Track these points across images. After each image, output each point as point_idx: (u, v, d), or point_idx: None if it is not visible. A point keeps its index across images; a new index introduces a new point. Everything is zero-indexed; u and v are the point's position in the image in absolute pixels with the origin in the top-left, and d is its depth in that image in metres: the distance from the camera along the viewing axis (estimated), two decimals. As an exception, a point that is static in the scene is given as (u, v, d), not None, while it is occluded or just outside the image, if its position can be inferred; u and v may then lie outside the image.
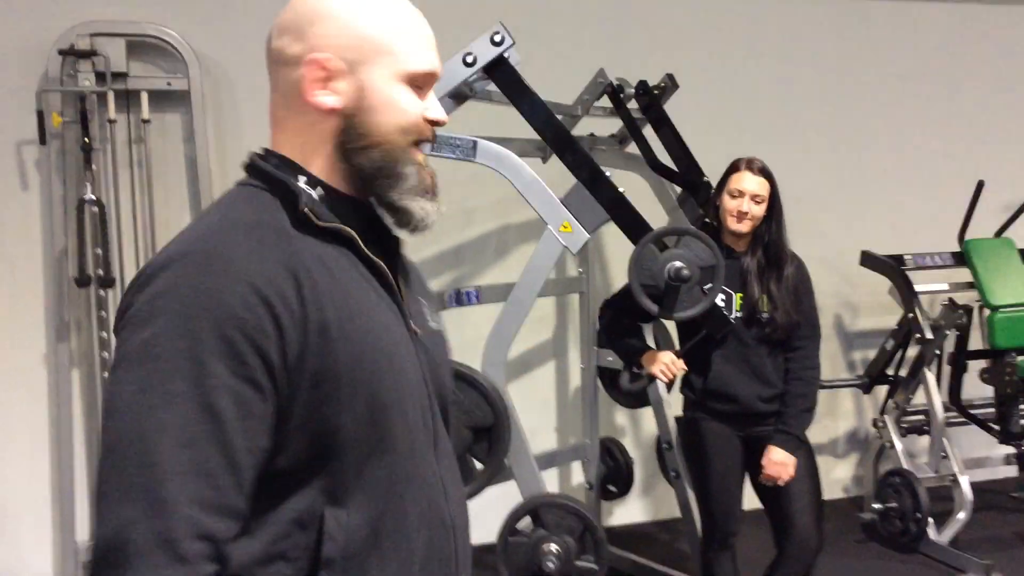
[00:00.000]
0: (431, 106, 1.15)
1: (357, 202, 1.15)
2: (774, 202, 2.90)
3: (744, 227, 2.87)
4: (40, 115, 3.63)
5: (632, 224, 2.84)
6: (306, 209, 1.07)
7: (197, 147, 3.84)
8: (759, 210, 2.87)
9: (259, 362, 0.98)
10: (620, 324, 3.05)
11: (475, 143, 2.87)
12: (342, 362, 1.03)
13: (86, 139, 3.64)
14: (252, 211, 1.08)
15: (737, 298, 2.89)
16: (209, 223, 1.07)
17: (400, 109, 1.12)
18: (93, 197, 3.66)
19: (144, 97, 3.74)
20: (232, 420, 0.96)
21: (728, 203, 2.89)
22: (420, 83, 1.14)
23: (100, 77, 3.67)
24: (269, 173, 1.12)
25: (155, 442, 0.93)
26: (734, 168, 2.92)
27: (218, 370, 0.96)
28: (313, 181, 1.12)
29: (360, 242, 1.12)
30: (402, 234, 1.23)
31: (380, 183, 1.14)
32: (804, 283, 2.94)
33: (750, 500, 3.04)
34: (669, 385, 3.21)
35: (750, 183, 2.86)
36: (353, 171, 1.13)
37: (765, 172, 2.89)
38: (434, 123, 1.15)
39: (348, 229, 1.11)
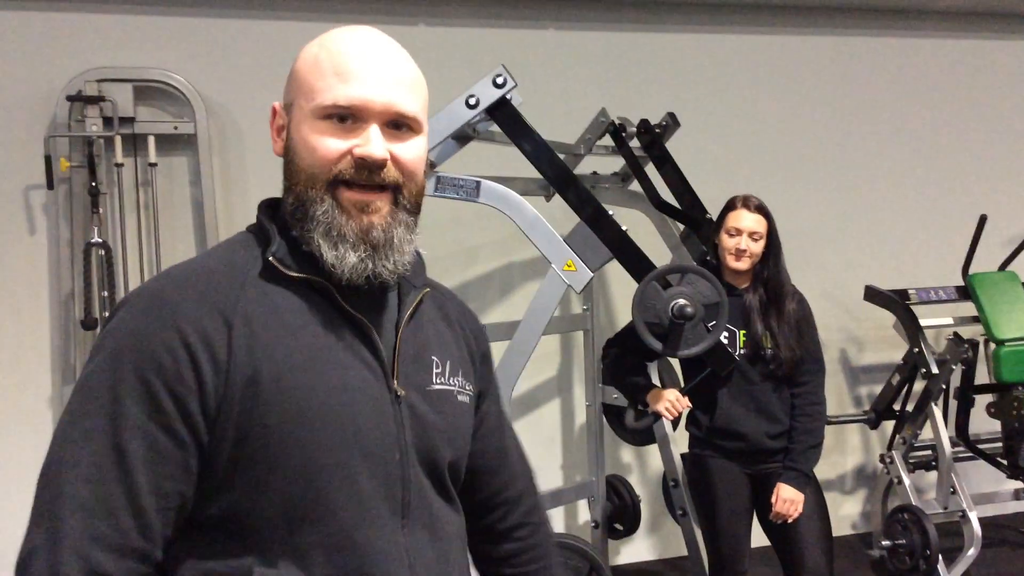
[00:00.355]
0: (364, 142, 1.06)
1: None
2: (772, 239, 2.92)
3: (743, 265, 2.88)
4: (48, 160, 3.66)
5: (635, 262, 2.86)
6: (271, 258, 1.06)
7: (203, 190, 3.88)
8: (757, 247, 2.89)
9: (175, 410, 0.97)
10: (624, 362, 3.05)
11: (478, 183, 2.89)
12: (273, 418, 0.99)
13: (93, 183, 3.68)
14: (227, 256, 1.08)
15: (740, 335, 2.89)
16: (181, 265, 1.08)
17: (310, 147, 1.06)
18: (100, 240, 3.69)
19: (151, 141, 3.78)
20: (140, 462, 0.96)
21: (726, 241, 2.91)
22: (351, 117, 1.06)
23: (108, 122, 3.72)
24: (259, 219, 1.13)
25: (66, 474, 0.95)
26: (731, 206, 2.94)
27: (133, 411, 0.96)
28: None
29: (335, 293, 1.07)
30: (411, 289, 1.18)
31: (296, 227, 1.08)
32: (806, 318, 2.95)
33: (759, 537, 3.03)
34: (675, 423, 3.21)
35: (747, 221, 2.88)
36: None
37: (762, 209, 2.91)
38: (363, 159, 1.05)
39: (320, 280, 1.07)
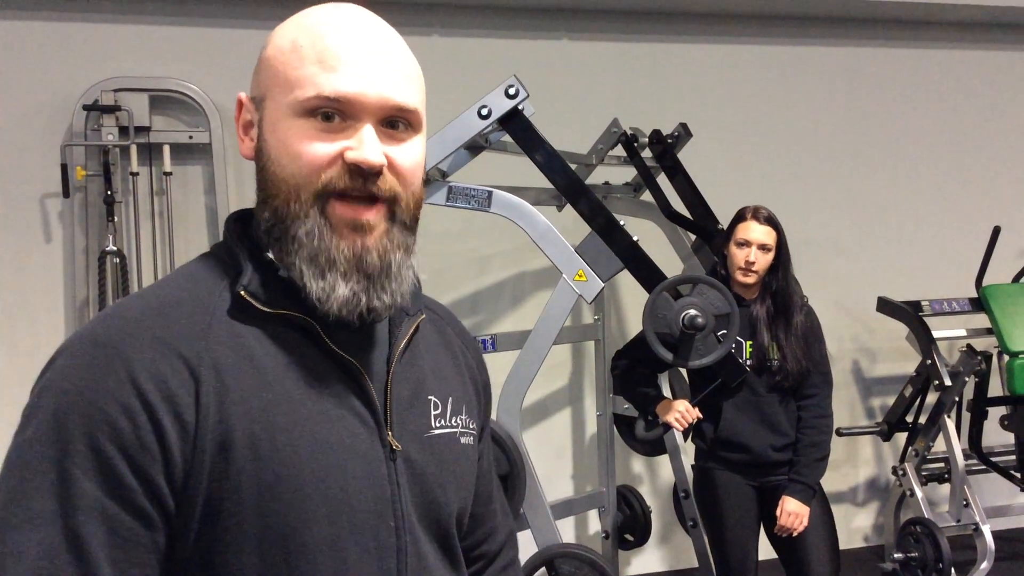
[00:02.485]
0: (356, 144, 0.87)
1: None
2: (781, 250, 2.90)
3: (751, 277, 2.87)
4: (64, 168, 3.70)
5: (646, 272, 2.86)
6: (243, 292, 0.88)
7: (218, 198, 3.91)
8: (766, 259, 2.87)
9: (137, 483, 0.80)
10: (634, 373, 3.05)
11: (490, 193, 2.91)
12: (247, 489, 0.83)
13: (109, 191, 3.71)
14: (189, 287, 0.90)
15: (747, 346, 2.89)
16: (132, 300, 0.89)
17: (291, 152, 0.87)
18: (115, 248, 3.72)
19: (166, 150, 3.81)
20: (101, 550, 0.79)
21: (735, 253, 2.89)
22: (339, 115, 0.88)
23: (123, 131, 3.75)
24: (225, 239, 0.95)
25: (10, 570, 0.77)
26: (740, 218, 2.93)
27: (86, 488, 0.78)
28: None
29: (320, 332, 0.90)
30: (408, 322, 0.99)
31: (273, 247, 0.90)
32: (814, 330, 2.94)
33: (767, 550, 3.02)
34: (686, 433, 3.20)
35: (756, 232, 2.87)
36: None
37: (771, 221, 2.89)
38: (356, 166, 0.87)
39: (302, 316, 0.89)
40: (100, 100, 3.72)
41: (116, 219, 3.75)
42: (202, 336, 0.85)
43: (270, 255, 0.91)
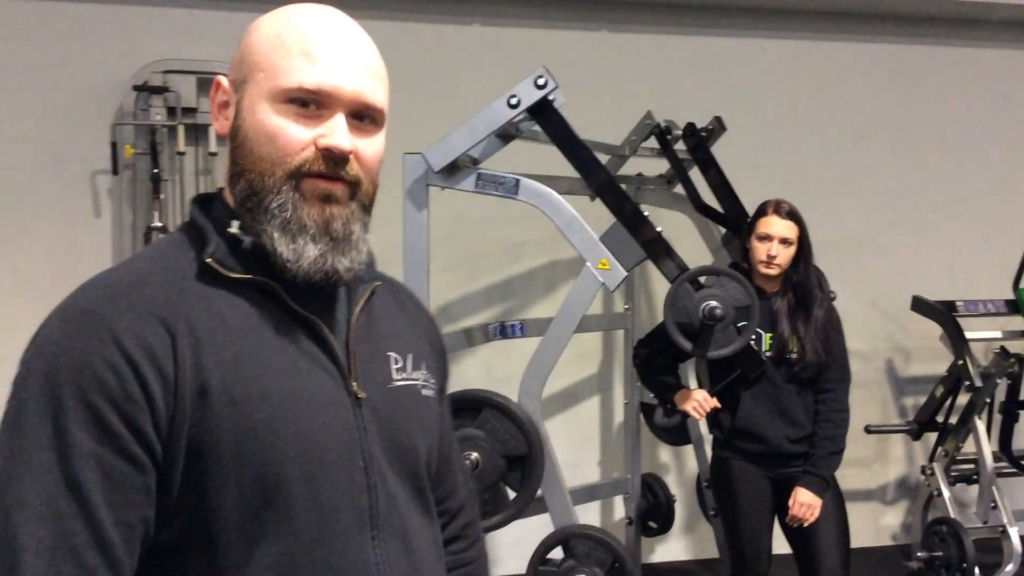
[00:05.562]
0: (328, 131, 0.97)
1: None
2: (803, 244, 2.92)
3: (773, 270, 2.89)
4: (114, 147, 3.84)
5: (669, 263, 2.90)
6: (210, 260, 0.98)
7: (259, 179, 4.01)
8: (788, 253, 2.89)
9: (127, 431, 0.89)
10: (655, 362, 3.09)
11: (518, 181, 2.95)
12: (225, 432, 0.92)
13: (156, 170, 3.84)
14: (159, 259, 1.00)
15: (767, 337, 2.91)
16: (106, 273, 0.99)
17: (269, 133, 0.97)
18: (160, 224, 3.85)
19: (212, 131, 3.93)
20: (98, 493, 0.88)
21: (757, 246, 2.92)
22: (315, 104, 0.97)
23: (171, 112, 3.88)
24: (191, 217, 1.04)
25: (16, 517, 0.86)
26: (762, 212, 2.95)
27: (81, 439, 0.87)
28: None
29: (283, 294, 0.99)
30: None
31: (246, 217, 0.99)
32: (833, 324, 2.95)
33: (783, 544, 3.04)
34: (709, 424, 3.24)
35: (778, 227, 2.89)
36: None
37: (793, 215, 2.90)
38: (329, 151, 0.97)
39: (265, 280, 0.99)
40: (149, 81, 3.85)
41: (162, 196, 3.88)
42: (175, 299, 0.94)
43: (233, 229, 1.00)
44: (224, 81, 1.04)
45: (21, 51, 3.91)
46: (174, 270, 0.98)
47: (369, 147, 1.02)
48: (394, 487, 1.04)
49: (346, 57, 0.98)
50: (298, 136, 0.97)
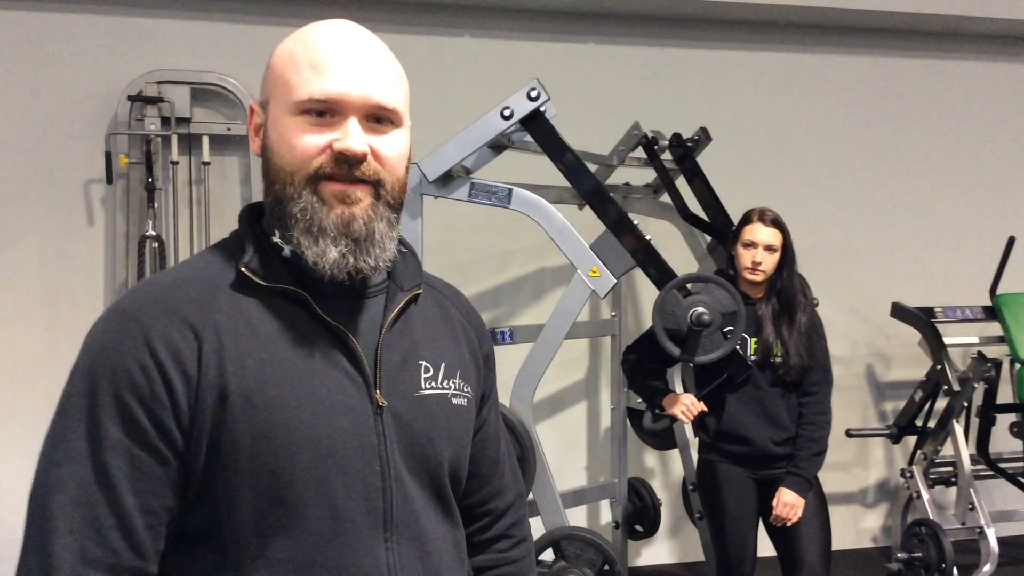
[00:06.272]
0: (342, 135, 1.02)
1: None
2: (787, 251, 2.99)
3: (758, 277, 2.96)
4: (108, 156, 3.88)
5: (657, 271, 2.97)
6: (243, 269, 1.04)
7: (253, 189, 4.08)
8: (772, 260, 2.96)
9: (152, 427, 0.97)
10: (643, 367, 3.15)
11: (511, 190, 3.03)
12: (243, 433, 0.98)
13: (150, 179, 3.88)
14: (201, 267, 1.07)
15: (752, 342, 2.99)
16: (156, 277, 1.07)
17: (288, 144, 1.03)
18: (154, 233, 3.88)
19: (205, 141, 3.98)
20: (124, 481, 0.96)
21: (742, 253, 2.99)
22: (329, 112, 1.02)
23: (165, 121, 3.93)
24: (238, 229, 1.11)
25: (52, 498, 0.96)
26: (747, 219, 3.02)
27: (112, 431, 0.96)
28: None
29: (312, 302, 1.04)
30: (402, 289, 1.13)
31: (278, 227, 1.05)
32: (816, 329, 3.03)
33: (768, 547, 3.10)
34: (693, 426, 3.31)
35: (763, 234, 2.96)
36: None
37: (777, 223, 2.98)
38: (342, 153, 1.01)
39: (295, 289, 1.04)
40: (144, 91, 3.90)
41: (156, 205, 3.91)
42: (207, 306, 1.01)
43: (275, 238, 1.06)
44: (253, 103, 1.11)
45: (16, 61, 3.95)
46: (212, 277, 1.05)
47: (388, 146, 1.05)
48: (412, 492, 1.08)
49: (351, 63, 1.03)
50: (314, 143, 1.02)
